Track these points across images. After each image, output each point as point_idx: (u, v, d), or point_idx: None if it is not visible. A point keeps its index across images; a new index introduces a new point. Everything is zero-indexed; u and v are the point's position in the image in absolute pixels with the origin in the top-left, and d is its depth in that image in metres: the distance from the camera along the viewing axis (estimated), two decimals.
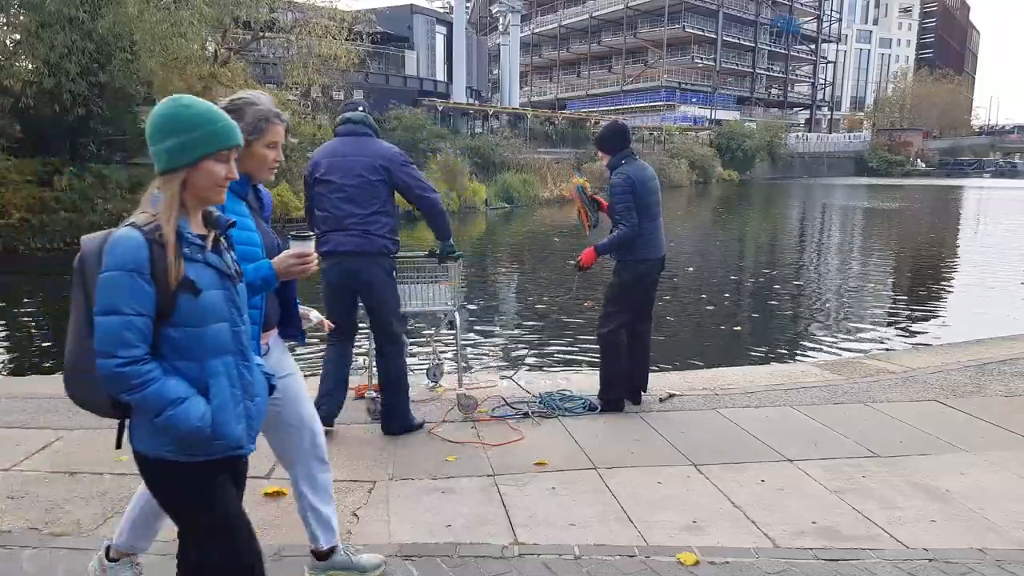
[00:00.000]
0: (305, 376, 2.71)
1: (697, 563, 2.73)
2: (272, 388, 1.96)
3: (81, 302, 1.76)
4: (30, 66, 15.14)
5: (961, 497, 3.33)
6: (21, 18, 15.14)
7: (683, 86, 61.91)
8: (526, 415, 4.36)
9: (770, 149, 56.59)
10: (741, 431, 4.17)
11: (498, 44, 48.84)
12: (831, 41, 79.79)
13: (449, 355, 5.38)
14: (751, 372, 5.69)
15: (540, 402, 4.54)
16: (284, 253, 2.19)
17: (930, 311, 9.95)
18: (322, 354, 4.23)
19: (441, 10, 43.55)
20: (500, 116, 37.27)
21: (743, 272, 13.60)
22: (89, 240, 1.77)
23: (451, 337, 4.78)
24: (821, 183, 51.73)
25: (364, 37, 23.03)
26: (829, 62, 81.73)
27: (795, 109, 76.03)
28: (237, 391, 1.77)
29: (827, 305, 10.39)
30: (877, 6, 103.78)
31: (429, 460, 3.71)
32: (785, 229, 22.59)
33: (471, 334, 8.12)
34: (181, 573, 1.91)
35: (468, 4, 51.43)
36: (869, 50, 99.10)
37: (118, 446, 1.85)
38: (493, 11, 55.04)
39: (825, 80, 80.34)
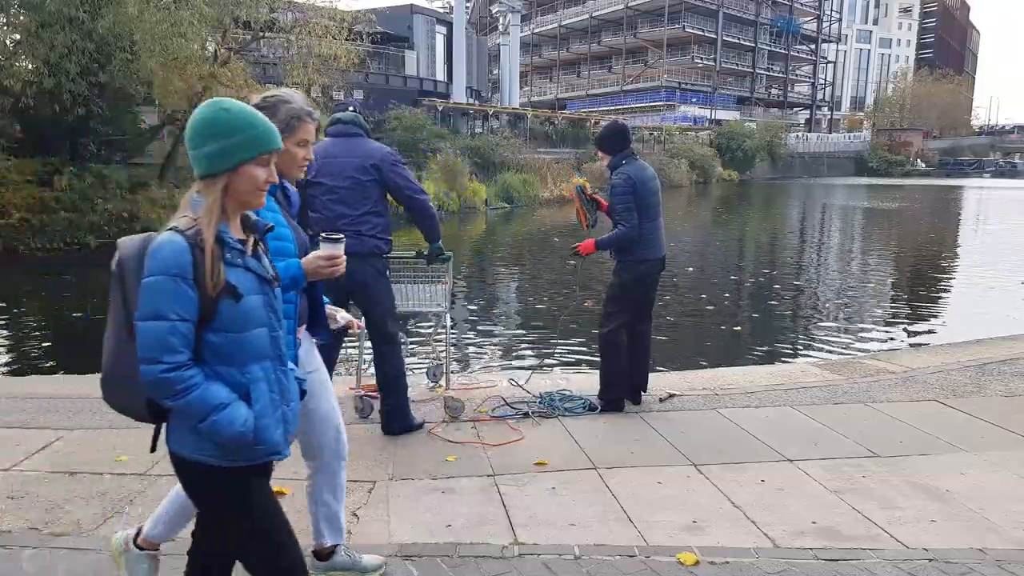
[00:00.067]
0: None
1: (697, 563, 2.73)
2: (303, 393, 1.96)
3: (119, 306, 1.75)
4: (30, 66, 15.13)
5: (961, 497, 3.33)
6: (21, 18, 15.13)
7: (683, 86, 61.91)
8: (526, 415, 4.36)
9: (770, 149, 56.59)
10: (741, 431, 4.17)
11: (498, 44, 48.83)
12: (831, 41, 79.79)
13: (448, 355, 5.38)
14: (751, 372, 5.69)
15: (540, 402, 4.55)
16: (314, 254, 2.21)
17: (930, 311, 9.95)
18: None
19: (441, 10, 43.55)
20: (500, 116, 37.28)
21: (743, 272, 13.60)
22: (127, 243, 1.76)
23: (439, 337, 4.77)
24: (821, 183, 51.73)
25: (364, 37, 22.99)
26: (829, 62, 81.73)
27: (795, 109, 76.03)
28: (276, 396, 1.78)
29: (827, 305, 10.39)
30: (877, 6, 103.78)
31: (429, 460, 3.71)
32: (785, 229, 22.59)
33: (471, 334, 8.12)
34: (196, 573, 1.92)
35: (468, 4, 51.42)
36: (869, 50, 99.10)
37: (153, 449, 1.85)
38: (493, 11, 55.04)
39: (825, 80, 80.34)
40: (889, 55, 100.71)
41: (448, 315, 4.49)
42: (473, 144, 28.69)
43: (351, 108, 3.93)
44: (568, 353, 7.18)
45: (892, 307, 10.34)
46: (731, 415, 4.44)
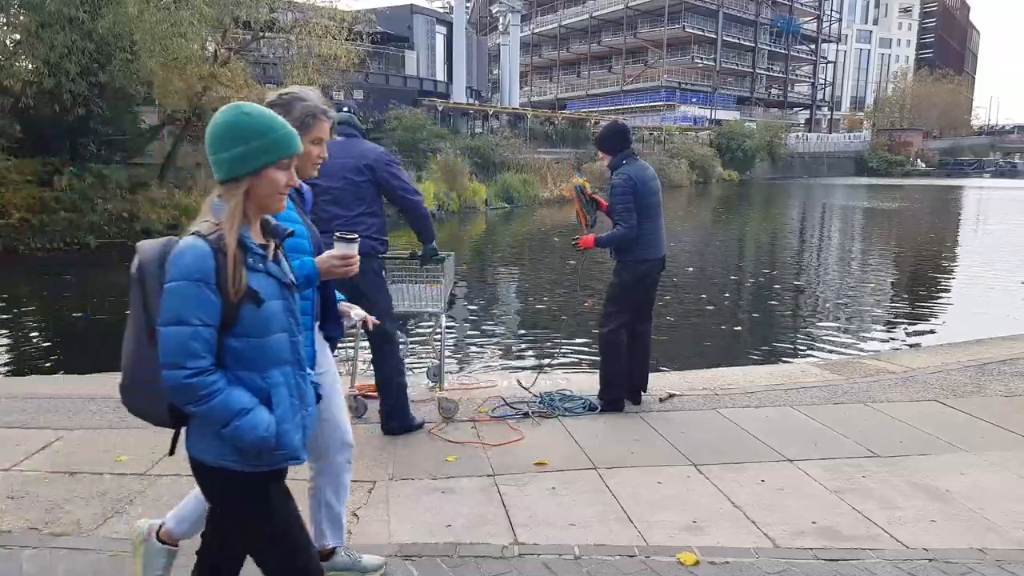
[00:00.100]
0: None
1: (697, 563, 2.73)
2: (319, 397, 1.96)
3: (140, 310, 1.73)
4: (30, 66, 15.13)
5: (961, 497, 3.33)
6: (21, 18, 15.13)
7: (683, 86, 61.91)
8: (526, 415, 4.36)
9: (770, 149, 56.59)
10: (741, 431, 4.17)
11: (498, 44, 48.83)
12: (831, 41, 79.80)
13: (447, 355, 5.38)
14: (751, 372, 5.69)
15: (540, 402, 4.54)
16: (328, 253, 2.22)
17: (930, 311, 9.95)
18: None
19: (441, 10, 43.55)
20: (500, 116, 37.29)
21: (743, 272, 13.60)
22: (147, 247, 1.75)
23: (441, 337, 4.78)
24: (821, 183, 51.74)
25: (364, 37, 22.99)
26: (829, 62, 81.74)
27: (795, 109, 76.03)
28: (295, 400, 1.78)
29: (827, 305, 10.39)
30: (877, 6, 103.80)
31: (429, 460, 3.71)
32: (785, 229, 22.59)
33: (472, 334, 8.12)
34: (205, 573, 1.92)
35: (468, 4, 51.41)
36: (869, 50, 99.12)
37: (171, 453, 1.85)
38: (493, 11, 55.04)
39: (825, 80, 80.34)
40: (889, 55, 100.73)
41: (443, 316, 4.49)
42: (473, 144, 28.69)
43: (346, 109, 3.93)
44: (569, 353, 7.18)
45: (892, 307, 10.34)
46: (731, 415, 4.44)
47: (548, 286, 11.40)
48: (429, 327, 5.62)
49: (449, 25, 39.28)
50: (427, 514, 3.13)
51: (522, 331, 8.44)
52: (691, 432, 4.14)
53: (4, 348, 7.74)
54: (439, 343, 5.07)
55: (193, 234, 1.65)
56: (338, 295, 2.48)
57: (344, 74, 21.69)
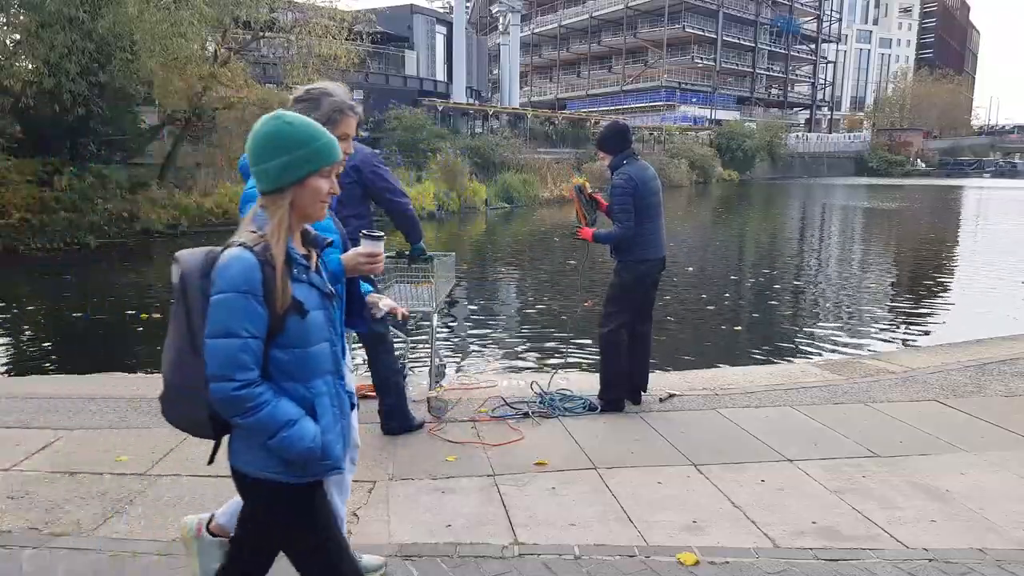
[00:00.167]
0: None
1: (697, 563, 2.73)
2: (353, 406, 1.95)
3: (183, 320, 1.71)
4: (30, 66, 15.15)
5: (961, 497, 3.33)
6: (21, 18, 15.14)
7: (683, 86, 61.91)
8: (526, 415, 4.36)
9: (770, 149, 56.60)
10: (741, 431, 4.17)
11: (498, 44, 48.85)
12: (831, 41, 79.80)
13: (447, 355, 5.38)
14: (751, 372, 5.69)
15: (540, 402, 4.55)
16: (354, 250, 2.22)
17: (930, 311, 9.95)
18: None
19: (441, 10, 43.58)
20: (500, 116, 37.30)
21: (743, 272, 13.60)
22: (188, 257, 1.72)
23: (439, 337, 4.77)
24: (821, 183, 51.72)
25: (364, 37, 23.02)
26: (829, 62, 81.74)
27: (795, 109, 76.03)
28: (336, 410, 1.78)
29: (827, 305, 10.39)
30: (877, 6, 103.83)
31: (429, 460, 3.71)
32: (785, 229, 22.58)
33: (472, 334, 8.12)
34: None
35: (468, 4, 51.43)
36: (869, 50, 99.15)
37: (210, 462, 1.84)
38: (493, 11, 55.05)
39: (825, 80, 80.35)
40: (889, 55, 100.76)
41: (435, 316, 4.48)
42: (473, 144, 28.70)
43: None
44: (569, 353, 7.18)
45: (892, 307, 10.33)
46: (731, 415, 4.44)
47: (548, 286, 11.40)
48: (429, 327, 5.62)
49: (449, 25, 39.30)
50: (427, 514, 3.13)
51: (522, 331, 8.44)
52: (691, 432, 4.14)
53: (4, 348, 7.74)
54: (442, 342, 5.07)
55: (239, 245, 1.63)
56: (365, 286, 2.46)
57: (344, 74, 21.69)
